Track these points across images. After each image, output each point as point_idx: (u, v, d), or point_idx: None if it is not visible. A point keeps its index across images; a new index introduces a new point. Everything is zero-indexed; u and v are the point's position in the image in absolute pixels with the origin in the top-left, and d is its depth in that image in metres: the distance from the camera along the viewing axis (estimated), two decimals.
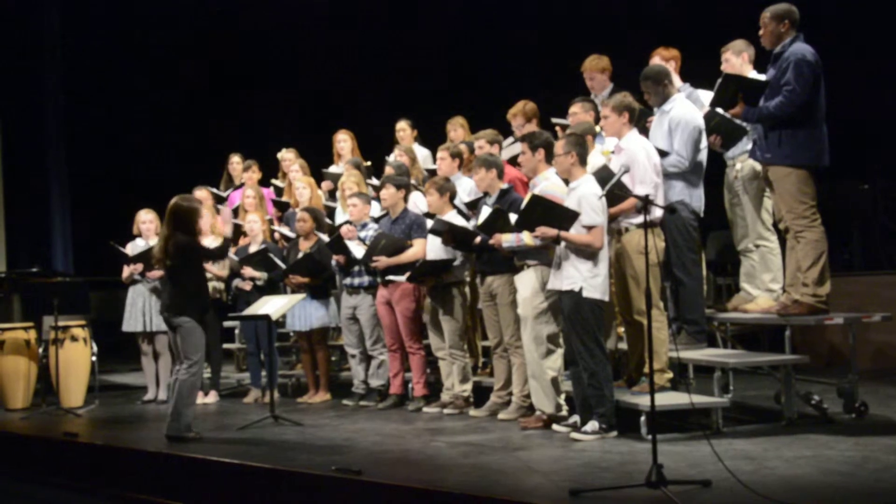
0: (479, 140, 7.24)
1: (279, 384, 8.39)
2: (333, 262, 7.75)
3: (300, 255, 7.89)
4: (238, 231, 8.54)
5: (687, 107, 6.32)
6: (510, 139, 7.63)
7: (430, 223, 7.17)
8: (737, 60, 6.43)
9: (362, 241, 7.55)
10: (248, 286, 8.15)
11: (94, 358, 8.49)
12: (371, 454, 5.73)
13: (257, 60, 13.21)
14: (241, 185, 9.32)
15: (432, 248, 7.06)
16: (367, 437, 6.31)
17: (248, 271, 8.09)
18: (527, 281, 6.27)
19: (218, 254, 7.18)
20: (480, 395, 7.14)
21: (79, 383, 8.38)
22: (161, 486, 5.97)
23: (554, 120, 7.13)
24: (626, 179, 5.80)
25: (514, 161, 7.13)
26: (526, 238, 6.12)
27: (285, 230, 8.52)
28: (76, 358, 8.33)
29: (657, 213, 5.94)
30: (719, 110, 6.29)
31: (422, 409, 7.24)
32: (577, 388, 5.92)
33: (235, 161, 9.60)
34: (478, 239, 6.57)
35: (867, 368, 7.90)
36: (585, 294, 5.69)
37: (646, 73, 6.42)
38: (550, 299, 6.13)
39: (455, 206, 7.08)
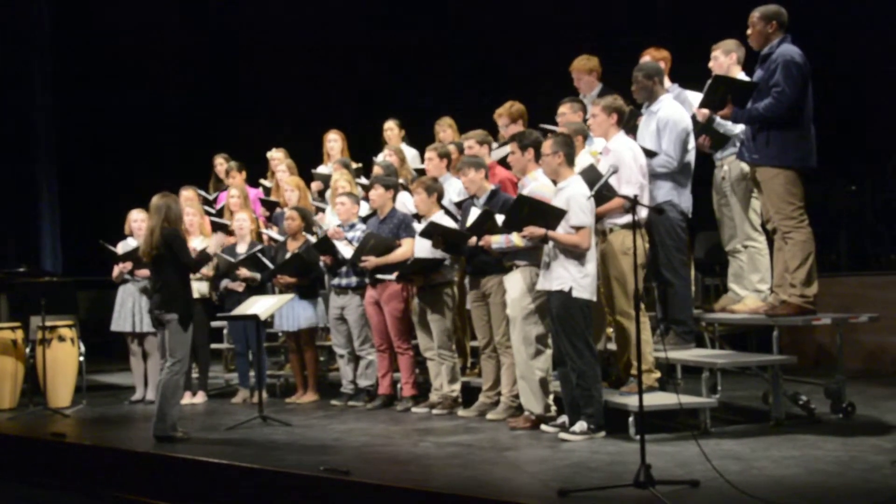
0: (469, 140, 7.23)
1: (268, 384, 8.36)
2: (321, 263, 7.73)
3: (288, 255, 7.87)
4: (225, 231, 8.49)
5: (675, 107, 6.33)
6: (495, 145, 7.61)
7: (417, 224, 7.15)
8: (725, 60, 6.45)
9: (350, 241, 7.53)
10: (241, 287, 8.11)
11: (81, 358, 8.45)
12: (360, 454, 5.72)
13: (249, 59, 13.17)
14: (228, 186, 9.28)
15: (421, 247, 7.05)
16: (355, 437, 6.30)
17: (243, 272, 8.06)
18: (515, 282, 6.26)
19: (194, 264, 6.91)
20: (469, 395, 7.13)
21: (66, 383, 8.33)
22: (149, 486, 5.94)
23: (542, 126, 7.10)
24: (612, 180, 5.80)
25: (504, 162, 7.12)
26: (515, 239, 6.12)
27: (273, 233, 8.49)
28: (63, 358, 8.28)
29: (642, 213, 5.95)
30: (712, 116, 6.28)
31: (410, 410, 7.23)
32: (565, 388, 5.92)
33: (219, 163, 9.57)
34: (471, 241, 6.56)
35: (854, 369, 7.92)
36: (575, 294, 5.69)
37: (640, 66, 6.46)
38: (539, 300, 6.12)
39: (443, 207, 7.07)
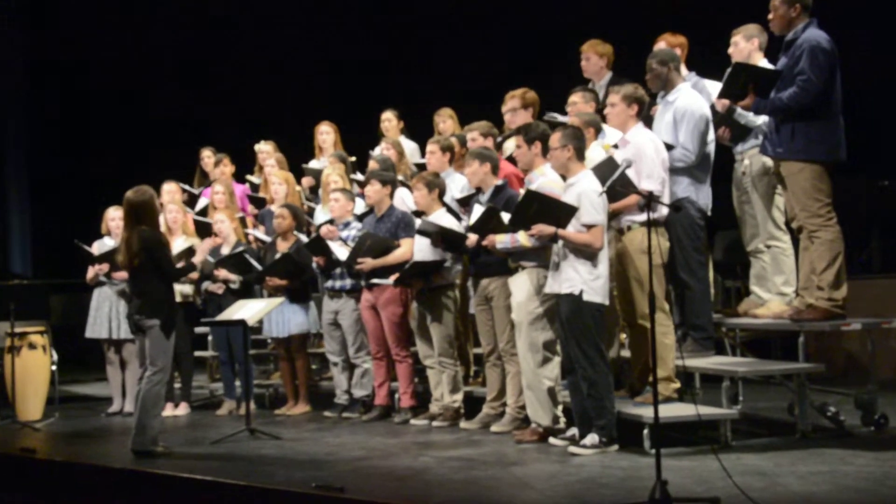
0: (472, 132, 7.24)
1: (255, 395, 8.38)
2: (314, 264, 7.75)
3: (278, 255, 7.89)
4: (208, 230, 8.53)
5: (693, 96, 6.35)
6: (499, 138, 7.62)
7: (418, 222, 7.18)
8: (746, 46, 6.46)
9: (344, 241, 7.55)
10: (220, 290, 8.13)
11: (54, 367, 8.45)
12: (355, 470, 5.74)
13: (232, 47, 13.19)
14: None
15: (421, 248, 7.07)
16: (350, 451, 6.31)
17: (222, 274, 8.08)
18: (521, 284, 6.28)
19: (176, 273, 6.77)
20: (472, 406, 7.14)
21: (37, 395, 8.34)
22: None
23: (550, 116, 7.12)
24: (630, 174, 5.82)
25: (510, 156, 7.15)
26: (521, 238, 6.14)
27: (259, 233, 8.50)
28: (34, 367, 8.28)
29: (662, 210, 5.97)
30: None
31: (409, 422, 7.25)
32: (575, 398, 5.93)
33: (206, 155, 9.58)
34: (469, 241, 6.59)
35: (887, 378, 7.91)
36: (586, 297, 5.71)
37: (654, 52, 6.48)
38: (547, 304, 6.15)
39: (444, 204, 7.09)
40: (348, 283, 7.63)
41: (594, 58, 7.29)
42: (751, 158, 6.63)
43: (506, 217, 6.17)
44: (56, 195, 13.45)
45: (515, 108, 7.32)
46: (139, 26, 13.26)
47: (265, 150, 9.16)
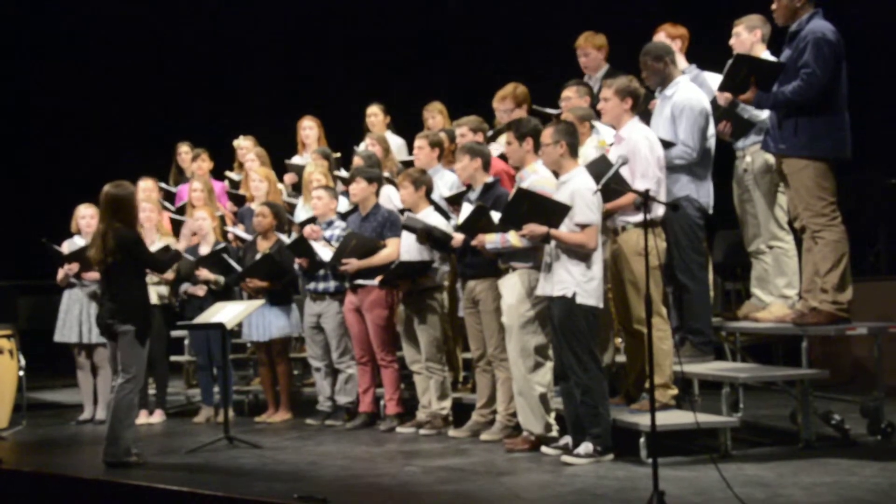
0: (461, 127, 7.26)
1: (234, 401, 8.38)
2: (296, 265, 7.76)
3: (258, 255, 7.89)
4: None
5: (692, 90, 6.36)
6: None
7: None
8: (748, 37, 6.49)
9: (328, 241, 7.56)
10: (202, 291, 8.14)
11: (21, 373, 8.41)
12: (338, 480, 5.74)
13: (210, 37, 13.16)
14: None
15: (408, 248, 7.09)
16: (333, 460, 6.32)
17: (203, 273, 8.08)
18: (512, 286, 6.30)
19: (162, 264, 7.02)
20: (461, 413, 7.16)
21: (4, 402, 8.28)
22: None
23: (536, 108, 7.11)
24: (624, 172, 5.84)
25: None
26: (512, 238, 6.16)
27: (239, 231, 8.51)
28: (1, 373, 8.27)
29: (658, 210, 6.00)
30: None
31: (395, 430, 7.26)
32: (568, 405, 5.95)
33: (184, 151, 9.57)
34: (455, 241, 6.60)
35: (894, 384, 7.96)
36: (579, 300, 5.73)
37: (646, 49, 6.48)
38: (538, 306, 6.17)
39: (432, 202, 7.11)
40: (332, 284, 7.64)
41: (593, 52, 7.31)
42: (752, 155, 6.66)
43: (496, 216, 6.19)
44: (24, 190, 13.37)
45: (510, 108, 7.31)
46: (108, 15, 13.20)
47: (245, 145, 9.16)
